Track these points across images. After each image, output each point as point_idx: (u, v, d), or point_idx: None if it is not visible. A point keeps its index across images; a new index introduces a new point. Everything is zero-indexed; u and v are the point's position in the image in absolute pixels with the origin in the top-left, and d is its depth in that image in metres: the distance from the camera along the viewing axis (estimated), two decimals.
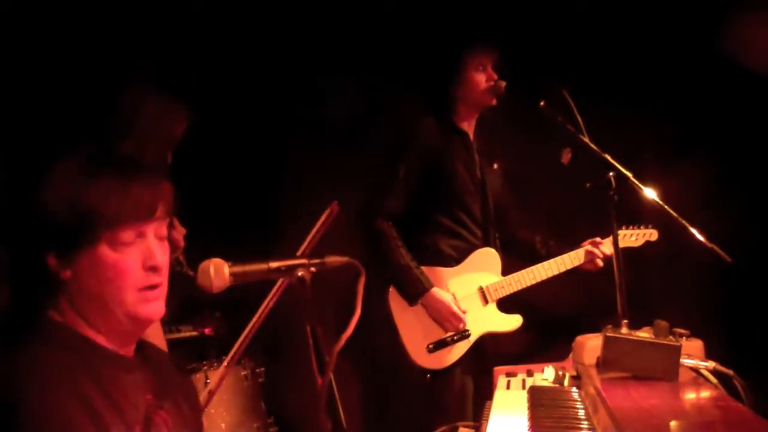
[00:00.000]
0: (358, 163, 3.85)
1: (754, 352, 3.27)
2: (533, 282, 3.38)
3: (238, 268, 1.57)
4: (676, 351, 1.96)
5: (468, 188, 3.38)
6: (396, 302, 3.27)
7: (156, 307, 1.55)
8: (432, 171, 3.31)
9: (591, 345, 2.24)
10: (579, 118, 2.91)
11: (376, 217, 3.28)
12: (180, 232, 2.83)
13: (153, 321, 1.57)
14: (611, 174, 2.78)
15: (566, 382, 2.35)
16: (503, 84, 3.32)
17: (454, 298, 3.27)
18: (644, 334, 2.04)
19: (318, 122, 4.05)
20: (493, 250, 3.43)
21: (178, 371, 1.80)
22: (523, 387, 2.42)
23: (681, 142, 3.86)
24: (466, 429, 2.30)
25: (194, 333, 3.56)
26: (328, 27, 4.01)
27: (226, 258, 1.55)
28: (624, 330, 2.09)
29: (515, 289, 3.38)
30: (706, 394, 1.89)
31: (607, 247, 3.41)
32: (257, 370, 3.59)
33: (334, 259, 1.63)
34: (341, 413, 1.46)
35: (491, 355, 3.39)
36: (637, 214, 3.37)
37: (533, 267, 3.39)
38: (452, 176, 3.34)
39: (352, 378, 3.78)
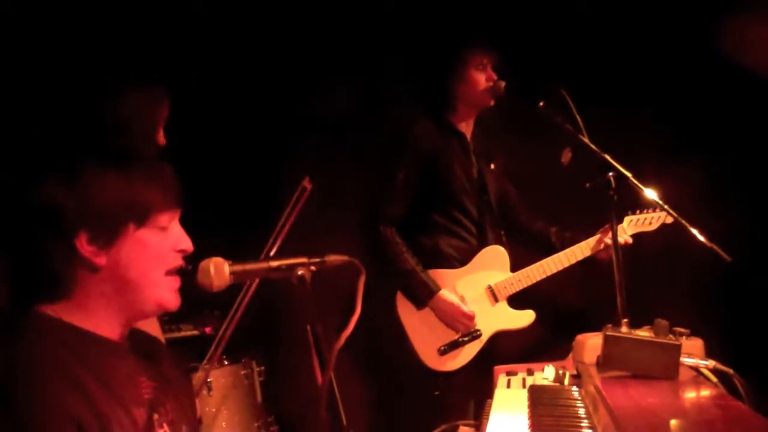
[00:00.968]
0: (358, 162, 3.85)
1: (754, 351, 3.27)
2: (544, 276, 3.36)
3: (238, 267, 1.57)
4: (676, 350, 1.96)
5: (465, 189, 3.39)
6: (404, 307, 3.29)
7: (177, 298, 1.61)
8: (429, 172, 3.32)
9: (591, 344, 2.24)
10: (578, 119, 2.92)
11: (379, 224, 3.29)
12: None
13: (172, 311, 1.61)
14: (611, 174, 2.78)
15: (566, 381, 2.35)
16: (503, 84, 3.32)
17: (462, 299, 3.28)
18: (644, 332, 2.03)
19: (317, 121, 4.05)
20: (500, 248, 3.43)
21: (175, 364, 1.80)
22: (524, 386, 2.41)
23: (681, 142, 3.86)
24: (467, 428, 2.29)
25: (194, 332, 3.57)
26: (327, 26, 4.01)
27: (226, 257, 1.56)
28: (624, 329, 2.09)
29: (525, 285, 3.36)
30: (706, 392, 1.89)
31: (619, 233, 3.32)
32: (257, 369, 3.59)
33: (334, 258, 1.64)
34: (342, 411, 1.46)
35: (498, 354, 3.39)
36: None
37: (543, 261, 3.36)
38: (449, 177, 3.35)
39: (352, 376, 3.78)
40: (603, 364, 2.04)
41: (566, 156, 2.98)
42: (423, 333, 3.27)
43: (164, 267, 1.56)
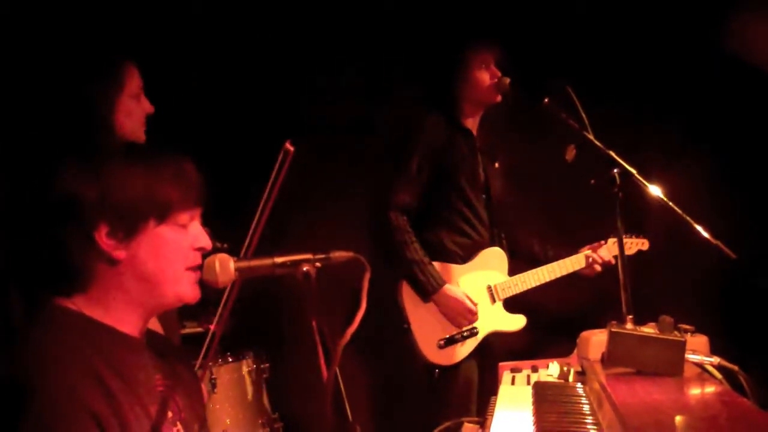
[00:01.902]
0: (361, 159, 3.85)
1: (759, 348, 3.27)
2: (537, 284, 3.45)
3: (243, 263, 1.57)
4: (681, 346, 1.96)
5: (471, 185, 3.39)
6: (409, 297, 3.28)
7: (197, 290, 1.61)
8: (438, 166, 3.31)
9: (596, 340, 2.25)
10: (583, 115, 2.91)
11: (390, 211, 3.26)
12: None
13: (192, 303, 1.61)
14: (616, 171, 2.78)
15: (571, 378, 2.35)
16: (507, 81, 3.32)
17: (466, 295, 3.28)
18: (649, 329, 2.04)
19: (321, 119, 4.05)
20: (500, 250, 3.46)
21: (184, 360, 1.81)
22: (528, 383, 2.41)
23: (686, 138, 3.86)
24: (471, 424, 2.29)
25: (199, 329, 3.57)
26: (330, 24, 4.01)
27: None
28: (629, 325, 2.09)
29: (521, 290, 3.43)
30: (710, 389, 1.89)
31: (605, 252, 3.52)
32: (262, 366, 3.60)
33: (339, 254, 1.63)
34: (347, 407, 1.46)
35: (496, 350, 3.39)
36: (642, 211, 3.37)
37: (538, 269, 3.45)
38: (456, 173, 3.34)
39: (358, 373, 3.78)
40: (608, 360, 2.04)
41: (570, 153, 2.97)
42: (425, 324, 3.26)
43: (183, 264, 1.56)
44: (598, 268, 3.51)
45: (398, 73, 3.97)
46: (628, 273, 2.63)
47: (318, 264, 1.60)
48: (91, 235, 1.46)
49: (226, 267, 1.55)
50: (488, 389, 2.94)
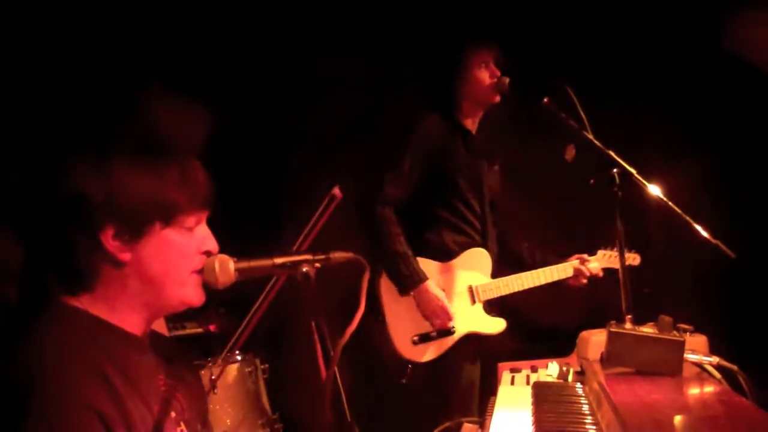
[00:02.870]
0: (362, 156, 3.84)
1: (758, 348, 3.27)
2: (520, 288, 3.41)
3: (243, 264, 1.57)
4: (680, 346, 1.97)
5: (470, 185, 3.39)
6: (387, 290, 3.24)
7: (202, 293, 1.59)
8: (435, 166, 3.31)
9: (595, 340, 2.25)
10: (583, 115, 2.91)
11: (377, 203, 3.25)
12: None
13: (197, 306, 1.60)
14: (615, 170, 2.78)
15: (570, 378, 2.35)
16: (507, 80, 3.32)
17: (444, 293, 3.27)
18: (648, 329, 2.04)
19: (321, 115, 4.05)
20: (484, 251, 3.43)
21: (187, 360, 1.81)
22: (527, 383, 2.41)
23: (685, 138, 3.86)
24: (470, 425, 2.30)
25: (199, 330, 3.57)
26: (333, 21, 4.01)
27: (230, 253, 1.56)
28: (628, 325, 2.10)
29: (503, 293, 3.40)
30: (709, 389, 1.89)
31: (594, 265, 3.51)
32: (261, 366, 3.60)
33: (339, 255, 1.63)
34: (346, 408, 1.46)
35: (495, 351, 3.39)
36: (641, 210, 3.37)
37: (521, 274, 3.42)
38: (454, 172, 3.34)
39: (356, 372, 3.78)
40: (607, 360, 2.04)
41: (570, 152, 2.97)
42: (400, 318, 3.23)
43: (189, 267, 1.55)
44: (584, 280, 3.49)
45: (399, 73, 3.96)
46: (627, 273, 2.64)
47: (317, 265, 1.60)
48: (96, 236, 1.46)
49: (225, 268, 1.55)
50: (487, 389, 2.93)
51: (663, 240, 3.54)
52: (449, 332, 3.28)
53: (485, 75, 3.36)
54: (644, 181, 2.81)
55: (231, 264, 1.55)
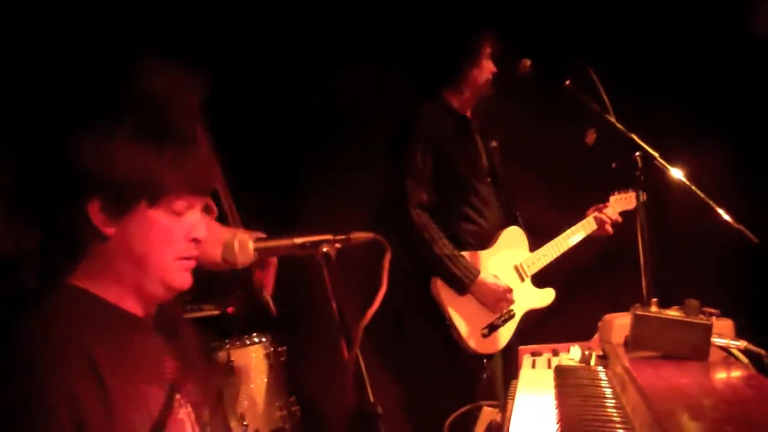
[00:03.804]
0: (369, 144, 3.81)
1: None
2: (559, 253, 3.48)
3: (262, 244, 1.56)
4: (707, 330, 1.93)
5: (474, 172, 3.39)
6: (445, 292, 3.23)
7: (187, 277, 1.58)
8: (439, 156, 3.30)
9: (619, 324, 2.22)
10: (605, 98, 2.87)
11: (411, 208, 3.23)
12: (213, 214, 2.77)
13: (182, 291, 1.59)
14: (637, 154, 2.74)
15: (593, 362, 2.32)
16: (528, 63, 3.28)
17: (497, 278, 3.27)
18: (674, 312, 2.00)
19: (326, 109, 4.02)
20: (517, 228, 3.47)
21: (200, 346, 1.80)
22: (549, 366, 2.39)
23: (708, 121, 3.81)
24: (490, 408, 2.28)
25: (216, 312, 3.56)
26: (335, 18, 3.98)
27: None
28: (654, 308, 2.06)
29: (545, 263, 3.45)
30: (737, 373, 1.86)
31: (610, 211, 3.55)
32: (279, 349, 3.58)
33: (359, 235, 1.61)
34: (369, 389, 1.44)
35: (516, 335, 3.38)
36: (664, 193, 3.33)
37: (555, 239, 3.48)
38: (457, 161, 3.35)
39: (375, 355, 3.76)
40: (631, 344, 2.01)
41: (591, 136, 2.95)
42: (465, 317, 3.23)
43: (173, 252, 1.53)
44: (609, 228, 3.54)
45: (400, 60, 3.92)
46: (648, 256, 2.61)
47: (338, 245, 1.58)
48: (83, 207, 1.45)
49: (245, 247, 1.53)
50: (508, 373, 2.91)
51: (687, 223, 3.50)
52: (511, 316, 3.32)
53: (491, 65, 3.41)
54: (666, 165, 2.78)
55: (250, 243, 1.54)
